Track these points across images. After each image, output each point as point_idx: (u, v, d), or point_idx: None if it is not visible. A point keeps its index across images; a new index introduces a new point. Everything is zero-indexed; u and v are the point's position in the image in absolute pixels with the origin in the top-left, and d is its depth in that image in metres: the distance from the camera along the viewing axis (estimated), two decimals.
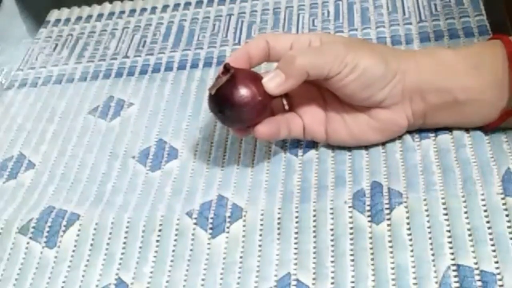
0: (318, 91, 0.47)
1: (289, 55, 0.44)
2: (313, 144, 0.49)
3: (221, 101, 0.44)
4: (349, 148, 0.48)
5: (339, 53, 0.43)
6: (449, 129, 0.47)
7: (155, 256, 0.44)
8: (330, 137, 0.47)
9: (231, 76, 0.44)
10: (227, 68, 0.44)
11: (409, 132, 0.47)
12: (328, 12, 0.62)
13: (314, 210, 0.44)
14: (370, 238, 0.42)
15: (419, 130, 0.47)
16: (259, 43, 0.46)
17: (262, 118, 0.45)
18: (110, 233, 0.46)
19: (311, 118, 0.46)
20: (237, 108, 0.44)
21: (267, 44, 0.46)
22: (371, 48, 0.45)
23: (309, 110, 0.47)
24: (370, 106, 0.44)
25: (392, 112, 0.44)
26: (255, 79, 0.44)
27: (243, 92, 0.44)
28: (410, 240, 0.41)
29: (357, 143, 0.47)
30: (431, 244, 0.40)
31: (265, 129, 0.45)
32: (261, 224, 0.44)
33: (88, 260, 0.45)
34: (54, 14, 0.72)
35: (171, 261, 0.44)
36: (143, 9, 0.69)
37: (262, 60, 0.46)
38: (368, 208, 0.43)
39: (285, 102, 0.46)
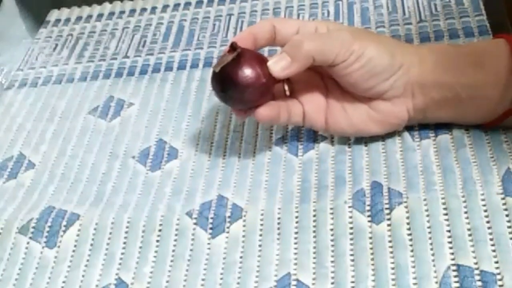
0: (321, 79, 0.47)
1: (296, 39, 0.44)
2: (313, 144, 0.49)
3: (225, 80, 0.44)
4: (349, 148, 0.48)
5: (346, 40, 0.43)
6: (449, 129, 0.47)
7: (155, 256, 0.44)
8: (329, 126, 0.47)
9: (237, 55, 0.43)
10: (233, 47, 0.44)
11: (409, 132, 0.47)
12: (328, 12, 0.62)
13: (314, 210, 0.44)
14: (370, 238, 0.42)
15: (419, 130, 0.47)
16: (266, 26, 0.46)
17: (264, 100, 0.45)
18: (110, 233, 0.46)
19: (312, 106, 0.46)
20: (240, 88, 0.43)
21: (273, 28, 0.45)
22: (378, 38, 0.45)
23: (310, 97, 0.47)
24: (372, 97, 0.44)
25: (393, 105, 0.45)
26: (261, 60, 0.44)
27: (248, 72, 0.43)
28: (410, 240, 0.41)
29: (356, 133, 0.47)
30: (431, 244, 0.40)
31: (265, 112, 0.45)
32: (261, 224, 0.44)
33: (88, 260, 0.45)
34: (54, 14, 0.71)
35: (171, 261, 0.44)
36: (143, 9, 0.69)
37: (267, 43, 0.46)
38: (368, 208, 0.43)
39: (286, 87, 0.46)
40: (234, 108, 0.46)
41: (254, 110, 0.45)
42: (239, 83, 0.43)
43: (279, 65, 0.44)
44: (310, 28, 0.46)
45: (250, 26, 0.47)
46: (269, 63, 0.44)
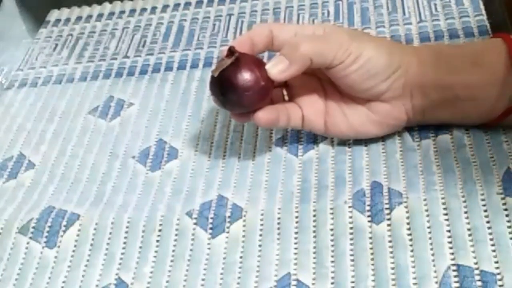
0: (319, 82, 0.47)
1: (293, 41, 0.44)
2: (313, 144, 0.49)
3: (224, 83, 0.44)
4: (349, 148, 0.48)
5: (343, 41, 0.43)
6: (449, 129, 0.47)
7: (155, 256, 0.44)
8: (329, 129, 0.47)
9: (235, 59, 0.43)
10: (231, 51, 0.43)
11: (409, 132, 0.47)
12: (328, 12, 0.62)
13: (314, 210, 0.44)
14: (370, 238, 0.42)
15: (419, 130, 0.47)
16: (263, 31, 0.46)
17: (263, 104, 0.45)
18: (110, 233, 0.46)
19: (311, 109, 0.46)
20: (240, 91, 0.43)
21: (270, 33, 0.45)
22: (375, 40, 0.45)
23: (309, 101, 0.47)
24: (371, 98, 0.45)
25: (392, 106, 0.45)
26: (259, 64, 0.44)
27: (247, 76, 0.43)
28: (410, 240, 0.41)
29: (355, 135, 0.47)
30: (431, 244, 0.40)
31: (265, 115, 0.45)
32: (261, 224, 0.44)
33: (88, 260, 0.45)
34: (54, 14, 0.72)
35: (171, 261, 0.44)
36: (143, 9, 0.69)
37: (265, 48, 0.46)
38: (368, 208, 0.43)
39: (285, 92, 0.46)
40: (233, 112, 0.46)
41: (253, 114, 0.45)
42: (238, 86, 0.43)
43: (277, 68, 0.44)
44: (307, 32, 0.46)
45: (248, 31, 0.47)
46: (267, 66, 0.44)
